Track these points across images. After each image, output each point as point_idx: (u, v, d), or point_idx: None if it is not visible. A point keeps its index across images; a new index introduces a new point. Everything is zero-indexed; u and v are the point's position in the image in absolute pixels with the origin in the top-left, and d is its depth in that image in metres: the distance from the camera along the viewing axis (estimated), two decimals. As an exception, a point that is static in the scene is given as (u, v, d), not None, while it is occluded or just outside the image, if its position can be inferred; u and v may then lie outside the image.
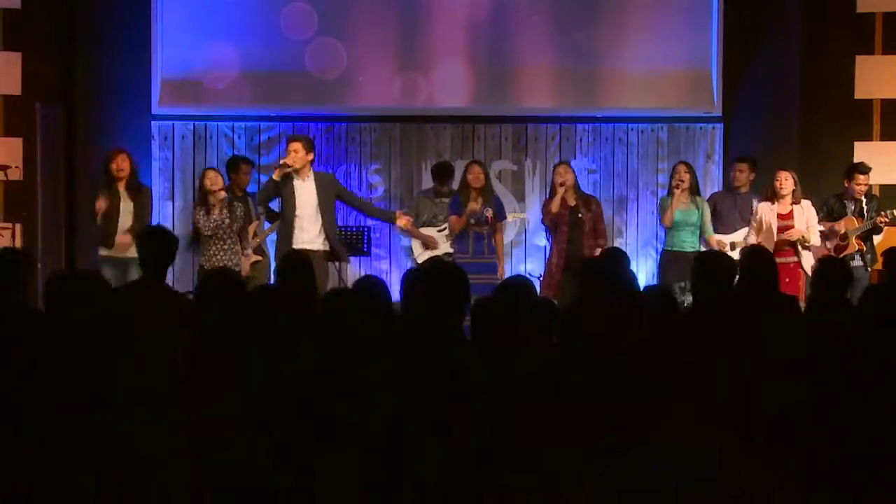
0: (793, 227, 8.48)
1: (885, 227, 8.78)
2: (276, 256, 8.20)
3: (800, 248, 8.49)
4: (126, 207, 8.48)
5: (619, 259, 6.41)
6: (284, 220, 8.22)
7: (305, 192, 8.13)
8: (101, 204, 8.47)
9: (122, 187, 8.52)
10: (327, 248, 8.16)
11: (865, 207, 8.78)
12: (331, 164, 10.10)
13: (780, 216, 8.49)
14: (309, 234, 8.09)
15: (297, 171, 8.07)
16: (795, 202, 8.54)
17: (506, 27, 10.08)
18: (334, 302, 4.42)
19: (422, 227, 9.31)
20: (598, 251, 8.51)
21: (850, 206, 8.80)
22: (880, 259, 7.50)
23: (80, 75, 10.00)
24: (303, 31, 10.06)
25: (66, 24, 9.95)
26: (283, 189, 8.12)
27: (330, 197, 8.25)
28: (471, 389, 3.56)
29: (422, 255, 9.19)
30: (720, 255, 6.04)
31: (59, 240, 9.72)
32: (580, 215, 8.72)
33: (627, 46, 10.10)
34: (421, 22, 10.11)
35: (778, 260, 8.21)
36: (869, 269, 8.64)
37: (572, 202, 8.78)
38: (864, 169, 8.85)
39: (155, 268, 5.37)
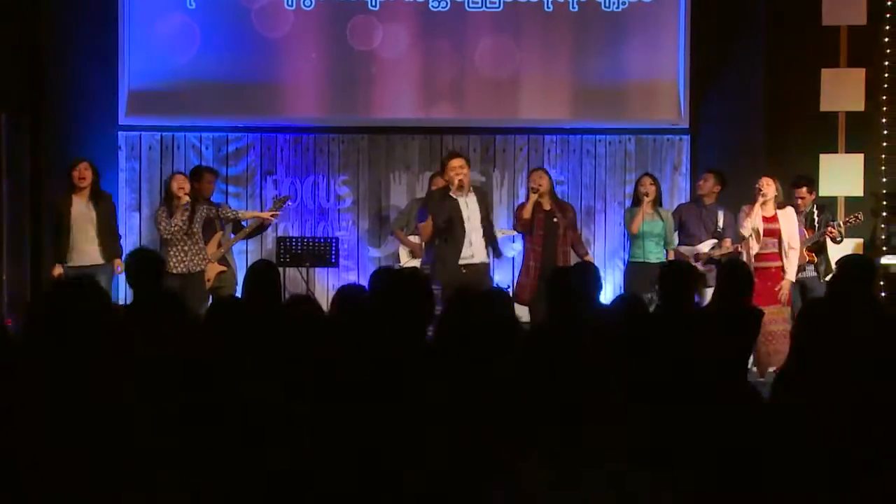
0: (778, 229, 8.39)
1: (844, 237, 8.83)
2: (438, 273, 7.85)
3: (783, 253, 8.42)
4: (89, 217, 8.43)
5: (586, 274, 6.25)
6: (451, 236, 8.01)
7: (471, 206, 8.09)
8: (60, 207, 8.46)
9: (83, 196, 8.46)
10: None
11: (817, 219, 8.81)
12: (298, 175, 10.10)
13: (765, 219, 8.42)
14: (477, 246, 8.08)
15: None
16: (779, 207, 8.50)
17: (473, 40, 10.10)
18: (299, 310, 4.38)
19: (412, 235, 9.25)
20: (587, 258, 8.56)
21: (801, 218, 8.79)
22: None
23: (47, 85, 9.94)
24: (271, 41, 10.06)
25: (33, 34, 9.89)
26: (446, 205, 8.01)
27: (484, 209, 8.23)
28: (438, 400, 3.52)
29: (408, 263, 9.10)
30: (686, 265, 6.06)
31: (24, 250, 9.66)
32: (555, 220, 8.61)
33: (595, 58, 10.15)
34: (388, 34, 10.11)
35: (762, 264, 8.27)
36: (823, 279, 8.61)
37: (548, 207, 8.68)
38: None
39: (146, 288, 5.36)
